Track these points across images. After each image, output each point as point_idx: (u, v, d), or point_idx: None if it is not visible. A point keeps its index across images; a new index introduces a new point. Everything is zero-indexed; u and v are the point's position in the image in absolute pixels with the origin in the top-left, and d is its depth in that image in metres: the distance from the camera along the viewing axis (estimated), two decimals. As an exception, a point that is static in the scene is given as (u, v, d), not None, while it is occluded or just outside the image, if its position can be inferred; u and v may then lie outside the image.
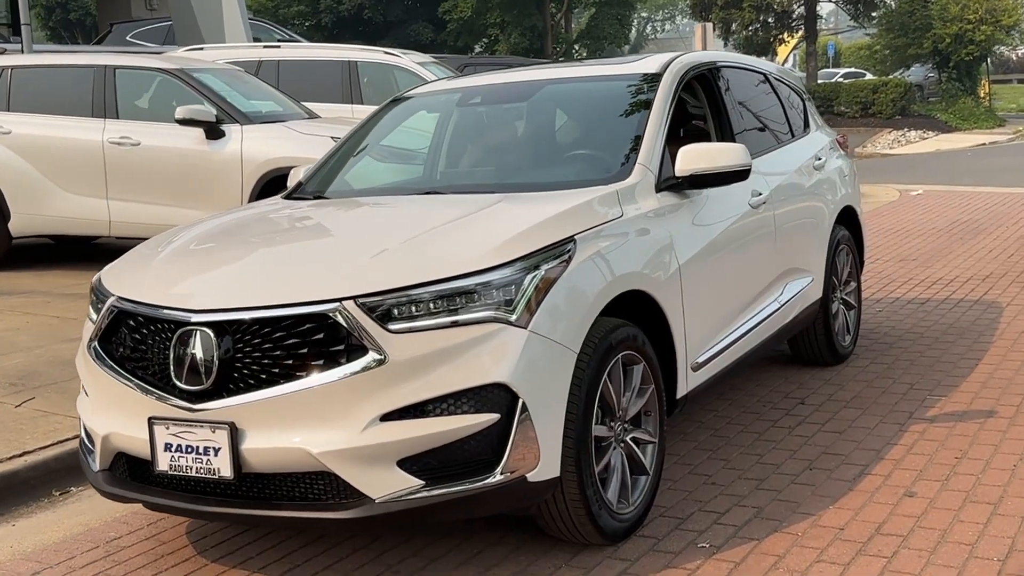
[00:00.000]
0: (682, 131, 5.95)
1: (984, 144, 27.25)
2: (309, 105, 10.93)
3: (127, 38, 19.28)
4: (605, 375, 3.98)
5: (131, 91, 9.99)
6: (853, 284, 6.83)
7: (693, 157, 4.66)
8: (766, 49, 36.01)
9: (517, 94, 5.49)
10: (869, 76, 40.81)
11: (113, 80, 9.87)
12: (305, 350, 3.59)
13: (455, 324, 3.60)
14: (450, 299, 3.62)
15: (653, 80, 5.08)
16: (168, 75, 9.91)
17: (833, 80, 39.22)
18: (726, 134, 5.49)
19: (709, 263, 4.80)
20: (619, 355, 4.08)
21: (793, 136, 6.36)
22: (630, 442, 4.21)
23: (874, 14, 36.62)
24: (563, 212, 4.11)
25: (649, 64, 5.29)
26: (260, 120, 9.77)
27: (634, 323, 4.24)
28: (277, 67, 12.80)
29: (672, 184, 4.70)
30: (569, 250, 3.91)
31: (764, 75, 6.34)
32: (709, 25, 20.26)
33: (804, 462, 4.98)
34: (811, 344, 6.44)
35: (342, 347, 3.58)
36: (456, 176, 5.21)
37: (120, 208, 9.72)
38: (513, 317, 3.65)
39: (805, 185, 6.10)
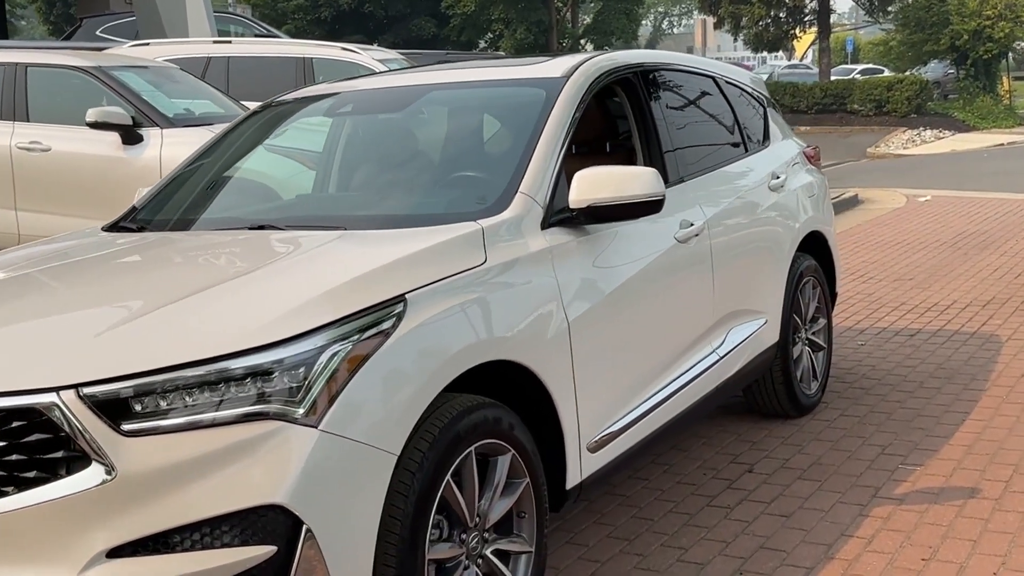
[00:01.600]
0: (609, 147, 5.00)
1: (1002, 144, 26.09)
2: (258, 105, 10.00)
3: (97, 33, 18.43)
4: (448, 476, 3.04)
5: (44, 91, 9.08)
6: (822, 321, 5.86)
7: (590, 185, 3.71)
8: (778, 46, 34.91)
9: (394, 102, 4.54)
10: (887, 73, 39.65)
11: (24, 79, 8.98)
12: (11, 457, 2.65)
13: (215, 423, 2.66)
14: (211, 388, 2.68)
15: (554, 87, 4.12)
16: (84, 74, 9.00)
17: (849, 77, 38.08)
18: (653, 152, 4.54)
19: (614, 315, 3.85)
20: (472, 446, 3.14)
21: (746, 151, 5.39)
22: (492, 557, 3.26)
23: (890, 9, 35.43)
24: (394, 262, 3.17)
25: (553, 67, 4.33)
26: (185, 123, 8.85)
27: (501, 400, 3.31)
28: (227, 64, 11.90)
29: (566, 219, 3.74)
30: (395, 314, 2.96)
31: (712, 79, 5.37)
32: (710, 20, 19.27)
33: (735, 561, 4.02)
34: (768, 394, 5.48)
35: (60, 454, 2.64)
36: (301, 204, 4.25)
37: (30, 220, 8.82)
38: (299, 412, 2.71)
39: (757, 209, 5.13)
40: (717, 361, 4.63)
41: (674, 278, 4.30)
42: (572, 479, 3.63)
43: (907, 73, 34.65)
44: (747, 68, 53.75)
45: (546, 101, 4.05)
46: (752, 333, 5.00)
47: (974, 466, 4.82)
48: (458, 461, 3.07)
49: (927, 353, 6.82)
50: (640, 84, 4.59)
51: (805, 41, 46.09)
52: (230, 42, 12.97)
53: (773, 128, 5.78)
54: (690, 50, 36.87)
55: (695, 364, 4.46)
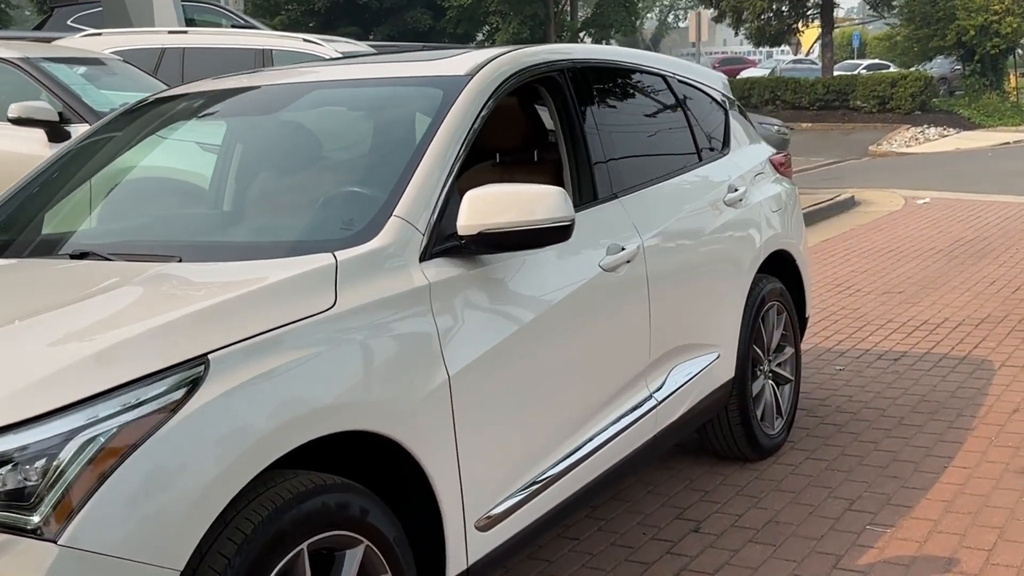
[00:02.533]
0: (537, 156, 4.34)
1: (1008, 143, 25.35)
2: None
3: (68, 23, 17.76)
4: (268, 586, 2.39)
5: (-33, 85, 8.44)
6: (788, 351, 5.20)
7: (483, 207, 3.06)
8: (780, 40, 34.18)
9: (268, 104, 3.89)
10: (893, 69, 38.89)
11: (-54, 72, 8.33)
12: None
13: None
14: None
15: (454, 87, 3.47)
16: (10, 65, 8.35)
17: (854, 72, 37.32)
18: (580, 163, 3.89)
19: (515, 363, 3.21)
20: (305, 543, 2.49)
21: (700, 160, 4.73)
22: None
23: (895, 3, 34.67)
24: (204, 310, 2.51)
25: (459, 63, 3.67)
26: (118, 120, 8.19)
27: (354, 479, 2.67)
28: (182, 56, 11.23)
29: (454, 248, 3.09)
30: (188, 381, 2.31)
31: (662, 78, 4.70)
32: (705, 13, 18.56)
33: (660, 654, 3.38)
34: (723, 436, 4.83)
35: None
36: (138, 227, 3.57)
37: (-50, 223, 8.17)
38: (33, 520, 2.07)
39: (708, 228, 4.48)
40: (655, 407, 3.98)
41: (598, 314, 3.64)
42: (455, 566, 2.98)
43: (912, 69, 33.91)
44: (752, 64, 52.99)
45: (442, 104, 3.39)
46: (701, 370, 4.35)
47: (953, 528, 4.16)
48: (282, 565, 2.42)
49: (911, 381, 6.16)
50: (567, 84, 3.93)
51: (811, 36, 45.37)
52: (186, 32, 12.30)
53: (735, 133, 5.12)
54: (693, 46, 36.06)
55: (625, 413, 3.81)
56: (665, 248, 4.08)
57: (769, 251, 4.96)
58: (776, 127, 16.64)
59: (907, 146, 25.92)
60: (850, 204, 14.71)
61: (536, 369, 3.30)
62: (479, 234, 3.05)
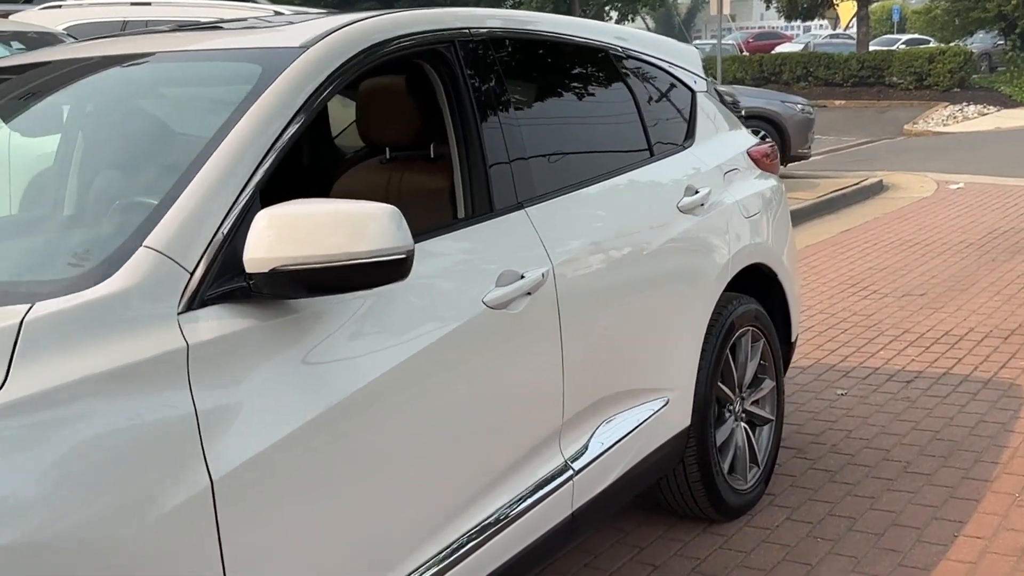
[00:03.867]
0: (433, 152, 3.44)
1: (1051, 122, 24.13)
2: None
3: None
4: None
5: None
6: (768, 384, 4.29)
7: (280, 233, 2.18)
8: (813, 13, 32.93)
9: (45, 86, 2.99)
10: (933, 44, 37.49)
11: None
12: None
13: None
14: None
15: (278, 64, 2.57)
16: (-74, 42, 7.52)
17: (893, 48, 35.98)
18: (473, 163, 2.99)
19: (333, 449, 2.31)
20: None
21: (652, 155, 3.80)
22: None
23: (934, -26, 33.32)
24: None
25: (300, 32, 2.78)
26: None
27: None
28: (144, 28, 10.36)
29: (241, 290, 2.19)
30: None
31: (604, 53, 3.77)
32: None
33: None
34: (680, 494, 3.93)
35: None
36: None
37: None
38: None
39: (652, 241, 3.55)
40: (570, 478, 3.08)
41: (477, 367, 2.74)
42: None
43: (951, 44, 32.57)
44: (788, 39, 51.61)
45: (256, 85, 2.50)
46: (642, 423, 3.45)
47: (958, 633, 3.25)
48: None
49: (923, 412, 5.21)
50: (457, 60, 3.03)
51: (849, 10, 43.90)
52: (150, 4, 11.43)
53: (704, 121, 4.19)
54: (733, 19, 34.83)
55: (524, 495, 2.91)
56: (586, 272, 3.17)
57: (741, 265, 4.04)
58: (800, 106, 15.60)
59: (944, 125, 24.71)
60: (877, 189, 13.69)
61: (373, 453, 2.41)
62: (273, 272, 2.15)
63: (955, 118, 25.49)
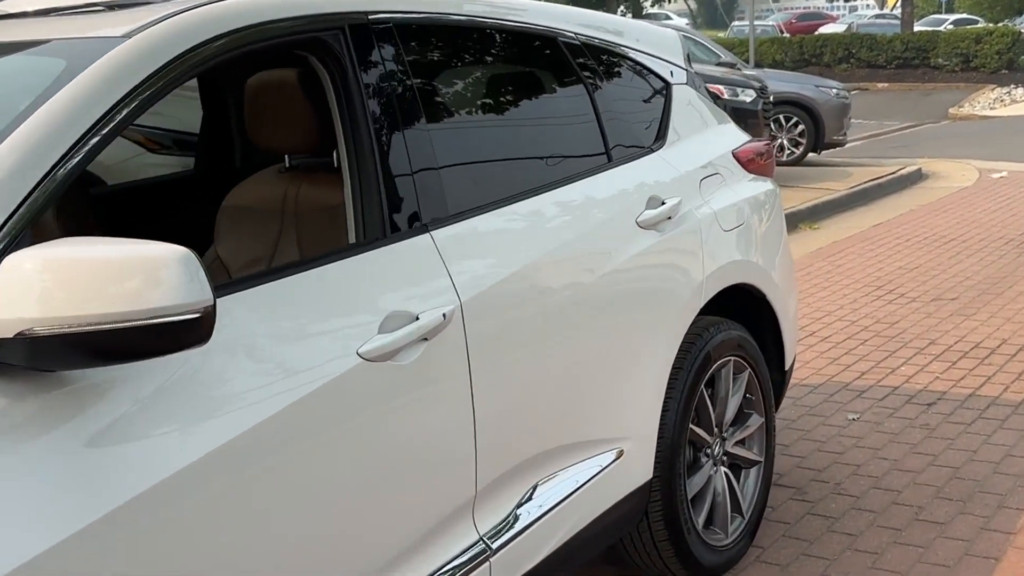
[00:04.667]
0: (336, 160, 2.89)
1: (1104, 105, 23.20)
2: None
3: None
4: None
5: None
6: (755, 421, 3.72)
7: (30, 290, 1.66)
8: (856, -7, 31.93)
9: None
10: (981, 24, 36.39)
11: None
12: None
13: None
14: None
15: (85, 57, 2.05)
16: None
17: (941, 28, 34.95)
18: (366, 178, 2.44)
19: (129, 554, 1.79)
20: None
21: (610, 160, 3.23)
22: None
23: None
24: None
25: (124, 21, 2.24)
26: None
27: None
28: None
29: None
30: None
31: (547, 39, 3.21)
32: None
33: None
34: (646, 553, 3.37)
35: None
36: None
37: None
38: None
39: (599, 264, 2.99)
40: (487, 558, 2.54)
41: (348, 435, 2.21)
42: None
43: (1000, 24, 31.52)
44: (832, 19, 50.54)
45: (54, 82, 1.97)
46: (587, 481, 2.90)
47: None
48: None
49: (944, 442, 4.62)
50: (349, 53, 2.48)
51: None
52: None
53: (679, 119, 3.62)
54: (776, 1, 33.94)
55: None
56: (508, 308, 2.63)
57: (720, 287, 3.47)
58: (835, 90, 14.92)
59: (991, 108, 23.81)
60: (915, 178, 13.01)
61: (189, 556, 1.88)
62: (19, 338, 1.63)
63: (1002, 101, 24.58)
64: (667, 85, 3.66)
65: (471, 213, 2.65)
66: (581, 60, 3.26)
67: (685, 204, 3.35)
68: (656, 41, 3.73)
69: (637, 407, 3.10)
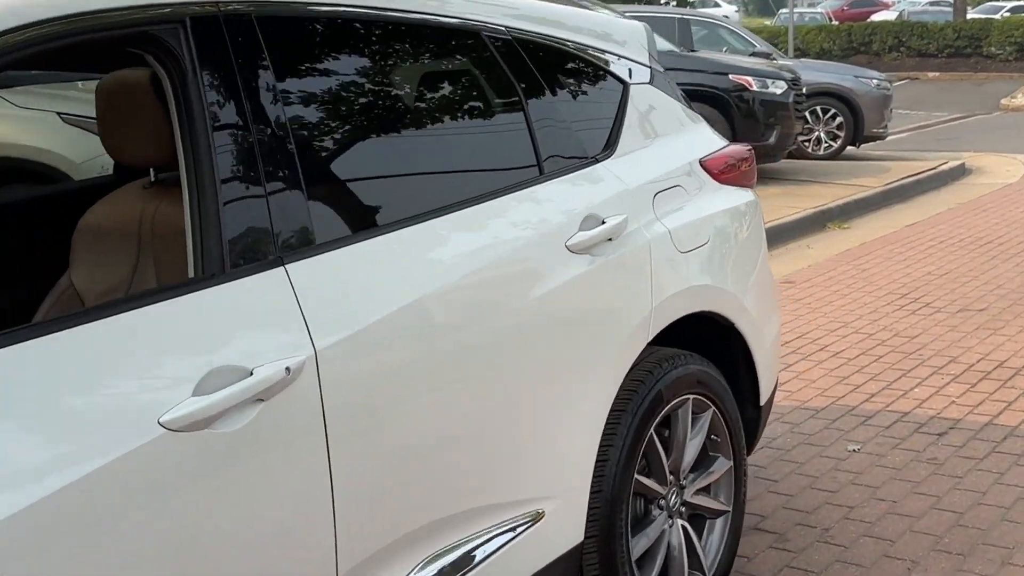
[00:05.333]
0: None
1: None
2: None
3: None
4: None
5: None
6: (722, 465, 3.29)
7: None
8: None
9: None
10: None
11: None
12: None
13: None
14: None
15: None
16: None
17: (997, 16, 33.95)
18: (205, 200, 2.05)
19: None
20: None
21: (540, 173, 2.80)
22: None
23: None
24: None
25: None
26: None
27: None
28: None
29: None
30: None
31: (470, 34, 2.77)
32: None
33: None
34: (583, 625, 2.94)
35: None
36: None
37: None
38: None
39: (515, 296, 2.56)
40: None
41: (152, 518, 1.80)
42: None
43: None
44: (885, 6, 49.48)
45: None
46: (495, 552, 2.49)
47: None
48: None
49: (951, 481, 4.16)
50: (189, 51, 2.08)
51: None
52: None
53: (633, 126, 3.17)
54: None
55: None
56: (383, 354, 2.21)
57: (675, 316, 3.04)
58: (876, 81, 14.33)
59: (1046, 99, 23.01)
60: (957, 173, 12.42)
61: None
62: None
63: (1058, 92, 23.73)
64: (623, 86, 3.22)
65: (346, 241, 2.24)
66: (510, 58, 2.83)
67: (632, 223, 2.92)
68: (615, 34, 3.29)
69: (563, 459, 2.68)
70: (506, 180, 2.70)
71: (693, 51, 12.15)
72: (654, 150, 3.20)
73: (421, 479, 2.30)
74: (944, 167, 12.47)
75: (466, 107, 2.74)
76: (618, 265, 2.83)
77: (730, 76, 10.96)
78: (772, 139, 11.06)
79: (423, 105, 2.62)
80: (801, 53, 27.46)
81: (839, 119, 13.75)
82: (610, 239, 2.82)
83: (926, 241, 8.82)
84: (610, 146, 3.06)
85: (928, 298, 6.94)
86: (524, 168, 2.77)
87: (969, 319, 6.40)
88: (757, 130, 10.94)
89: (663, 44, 11.17)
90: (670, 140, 3.31)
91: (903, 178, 11.67)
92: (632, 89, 3.24)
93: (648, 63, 3.38)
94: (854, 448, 4.52)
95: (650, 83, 3.34)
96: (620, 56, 3.26)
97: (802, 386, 5.29)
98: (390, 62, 2.58)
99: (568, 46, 3.08)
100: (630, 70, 3.27)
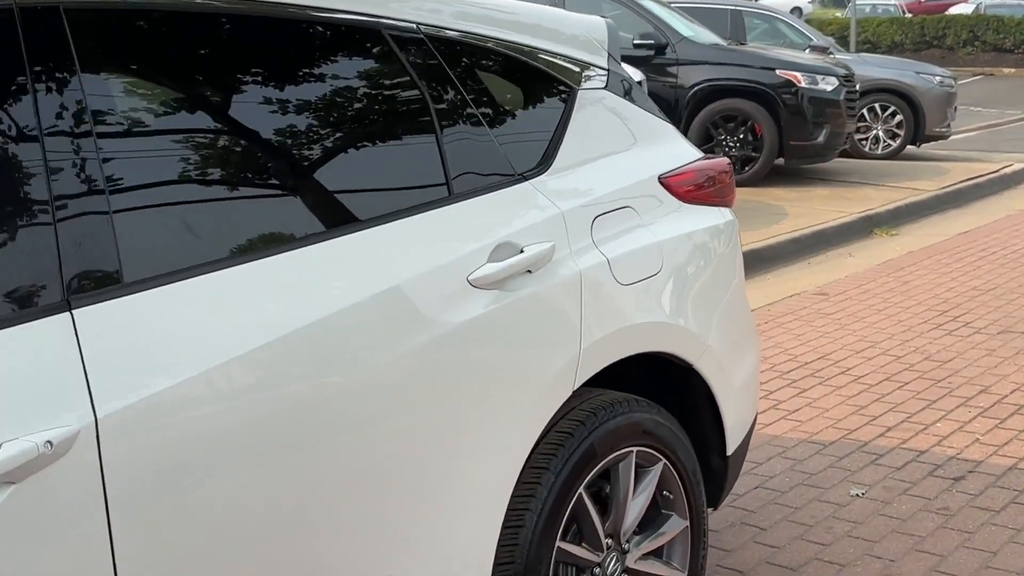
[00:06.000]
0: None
1: None
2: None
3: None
4: None
5: None
6: (675, 526, 2.88)
7: None
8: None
9: None
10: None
11: None
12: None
13: None
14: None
15: None
16: None
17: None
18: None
19: None
20: None
21: (450, 194, 2.40)
22: None
23: None
24: None
25: None
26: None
27: None
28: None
29: None
30: None
31: (371, 32, 2.38)
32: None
33: None
34: None
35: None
36: None
37: None
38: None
39: (392, 347, 2.16)
40: None
41: None
42: None
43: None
44: (963, -1, 47.96)
45: None
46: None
47: None
48: None
49: (960, 537, 3.70)
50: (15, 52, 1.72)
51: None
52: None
53: (578, 137, 2.76)
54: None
55: None
56: (193, 419, 1.83)
57: (613, 359, 2.64)
58: (939, 78, 13.70)
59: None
60: (1013, 181, 11.78)
61: None
62: None
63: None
64: (568, 91, 2.81)
65: (167, 279, 1.86)
66: (419, 60, 2.43)
67: (560, 251, 2.51)
68: (561, 32, 2.89)
69: (451, 533, 2.29)
70: (400, 202, 2.31)
71: (742, 44, 11.64)
72: (601, 165, 2.79)
73: (246, 567, 1.92)
74: (1007, 170, 11.85)
75: (351, 115, 2.35)
76: (535, 301, 2.43)
77: (777, 71, 10.43)
78: (821, 138, 10.53)
79: (292, 113, 2.23)
80: (871, 47, 26.67)
81: (899, 117, 13.16)
82: (528, 271, 2.42)
83: (976, 252, 8.27)
84: (545, 161, 2.66)
85: (969, 316, 6.43)
86: (426, 188, 2.38)
87: (1010, 342, 5.89)
88: (805, 128, 10.43)
89: (709, 37, 10.69)
90: (625, 154, 2.90)
91: (961, 181, 11.08)
92: (580, 95, 2.83)
93: (605, 65, 2.97)
94: (857, 493, 4.07)
95: (605, 88, 2.93)
96: (568, 57, 2.86)
97: (813, 415, 4.85)
98: (261, 64, 2.20)
99: (501, 45, 2.68)
100: (580, 73, 2.86)
